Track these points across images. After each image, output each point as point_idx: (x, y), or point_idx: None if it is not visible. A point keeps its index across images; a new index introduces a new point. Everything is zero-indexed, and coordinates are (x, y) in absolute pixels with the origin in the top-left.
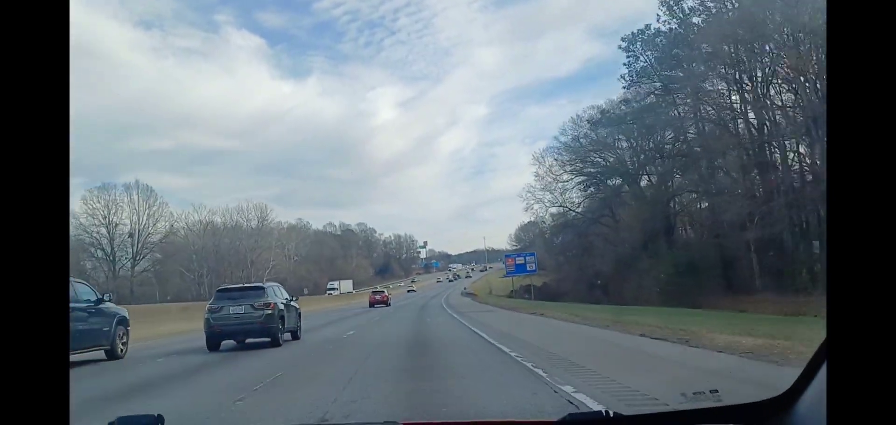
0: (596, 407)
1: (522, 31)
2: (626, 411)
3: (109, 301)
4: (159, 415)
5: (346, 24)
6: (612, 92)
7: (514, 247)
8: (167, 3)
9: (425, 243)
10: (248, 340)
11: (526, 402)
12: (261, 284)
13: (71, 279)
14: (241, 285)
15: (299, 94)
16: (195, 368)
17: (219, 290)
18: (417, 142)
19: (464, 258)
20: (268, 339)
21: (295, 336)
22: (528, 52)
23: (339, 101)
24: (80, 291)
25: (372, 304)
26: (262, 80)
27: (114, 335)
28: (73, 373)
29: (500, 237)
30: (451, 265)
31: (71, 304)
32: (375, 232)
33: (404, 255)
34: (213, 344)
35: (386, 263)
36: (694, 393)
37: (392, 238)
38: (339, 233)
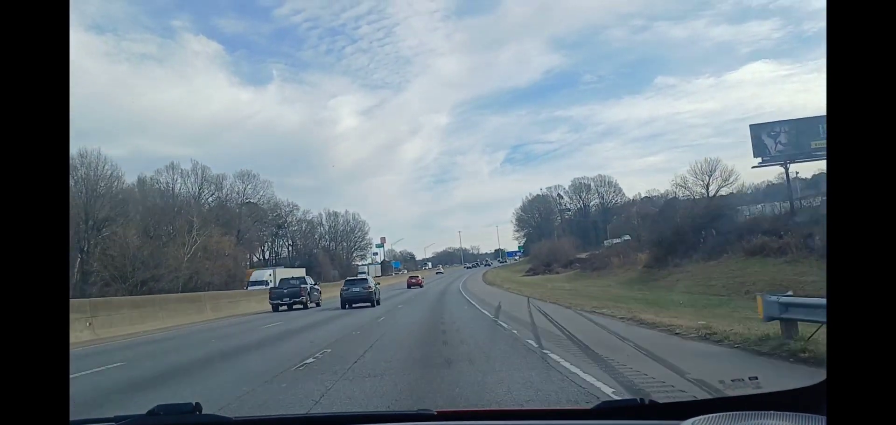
0: None
1: (483, 41)
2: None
3: (316, 285)
4: (197, 403)
5: (306, 31)
6: (573, 100)
7: (518, 235)
8: (121, 6)
9: (383, 240)
10: (356, 305)
11: None
12: (365, 275)
13: (304, 276)
14: (355, 276)
15: (258, 101)
16: (346, 313)
17: (346, 279)
18: (380, 150)
19: (430, 261)
20: (368, 303)
21: (378, 302)
22: (489, 61)
23: (299, 109)
24: (310, 280)
25: (409, 286)
26: (220, 87)
27: (319, 297)
28: (312, 310)
29: (470, 240)
30: (419, 266)
31: (309, 285)
32: (297, 208)
33: (344, 244)
34: (344, 305)
35: (310, 256)
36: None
37: (322, 217)
38: (210, 202)
